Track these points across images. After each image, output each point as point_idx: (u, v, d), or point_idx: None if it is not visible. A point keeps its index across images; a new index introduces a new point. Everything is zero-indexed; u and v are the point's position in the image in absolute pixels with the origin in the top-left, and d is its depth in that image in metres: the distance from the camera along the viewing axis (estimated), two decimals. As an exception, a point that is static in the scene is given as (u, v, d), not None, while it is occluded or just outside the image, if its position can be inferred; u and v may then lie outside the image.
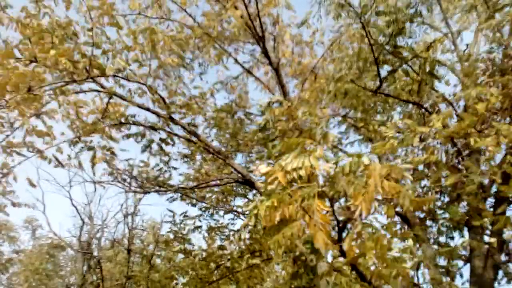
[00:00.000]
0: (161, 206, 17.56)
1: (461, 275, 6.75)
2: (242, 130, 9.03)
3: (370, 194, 3.19)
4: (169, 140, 8.43)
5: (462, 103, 6.83)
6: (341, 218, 4.26)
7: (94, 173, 8.45)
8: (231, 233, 10.32)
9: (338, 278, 5.50)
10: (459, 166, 6.87)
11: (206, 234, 10.48)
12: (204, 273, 9.92)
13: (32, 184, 7.34)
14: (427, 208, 6.78)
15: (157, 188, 8.93)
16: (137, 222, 15.88)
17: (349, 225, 4.49)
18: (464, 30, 7.33)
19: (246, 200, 10.19)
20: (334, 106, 7.86)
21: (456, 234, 7.03)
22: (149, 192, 9.00)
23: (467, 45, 7.08)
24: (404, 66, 6.52)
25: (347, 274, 5.52)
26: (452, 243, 7.11)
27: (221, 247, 10.21)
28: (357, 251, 3.96)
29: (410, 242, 5.52)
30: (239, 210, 10.26)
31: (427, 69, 6.41)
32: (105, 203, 25.60)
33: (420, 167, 7.04)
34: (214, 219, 10.41)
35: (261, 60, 9.00)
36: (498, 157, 6.12)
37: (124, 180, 8.85)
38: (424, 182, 7.14)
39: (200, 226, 10.38)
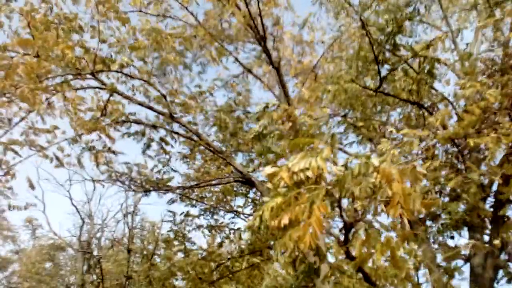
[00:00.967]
0: (161, 206, 17.54)
1: (461, 275, 6.76)
2: (242, 129, 9.03)
3: (406, 201, 3.14)
4: (169, 139, 8.43)
5: (462, 102, 6.83)
6: (347, 220, 4.25)
7: (101, 172, 8.47)
8: (232, 231, 10.33)
9: (342, 280, 5.51)
10: (459, 166, 6.88)
11: (207, 232, 10.49)
12: (204, 271, 9.92)
13: (32, 186, 7.33)
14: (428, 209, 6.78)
15: (156, 188, 8.93)
16: (137, 222, 15.91)
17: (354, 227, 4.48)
18: (464, 28, 7.34)
19: (246, 200, 10.19)
20: (334, 106, 7.86)
21: (456, 234, 7.04)
22: (148, 192, 9.00)
23: (467, 44, 7.09)
24: (404, 65, 6.53)
25: (351, 276, 5.53)
26: (452, 243, 7.12)
27: (221, 245, 10.20)
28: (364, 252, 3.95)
29: (413, 244, 5.53)
30: (239, 210, 10.27)
31: (427, 68, 6.41)
32: (105, 203, 25.54)
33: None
34: (215, 219, 10.42)
35: (262, 59, 9.01)
36: (498, 158, 6.13)
37: (123, 182, 8.86)
38: (424, 182, 7.13)
39: (202, 225, 10.39)
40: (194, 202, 10.11)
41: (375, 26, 6.25)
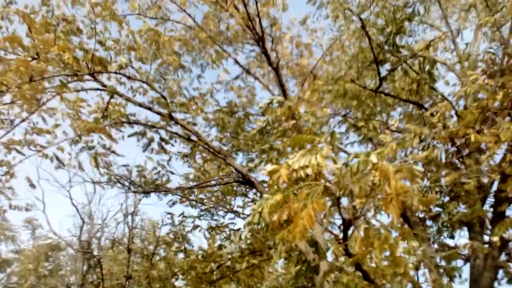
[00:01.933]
0: (161, 207, 17.57)
1: (460, 276, 6.76)
2: (243, 130, 9.03)
3: (397, 199, 3.16)
4: (169, 139, 8.43)
5: (462, 102, 6.84)
6: (346, 217, 4.26)
7: (100, 174, 8.47)
8: (232, 232, 10.33)
9: (341, 277, 5.50)
10: (459, 165, 6.88)
11: (206, 234, 10.48)
12: (205, 271, 9.92)
13: (32, 185, 7.34)
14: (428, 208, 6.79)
15: (155, 189, 8.94)
16: (137, 222, 15.91)
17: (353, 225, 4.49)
18: (464, 29, 7.34)
19: (246, 199, 10.20)
20: (334, 106, 7.87)
21: (456, 234, 7.04)
22: (148, 193, 9.01)
23: (466, 44, 7.09)
24: (404, 65, 6.53)
25: (349, 273, 5.53)
26: (452, 243, 7.12)
27: (221, 246, 10.20)
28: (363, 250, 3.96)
29: (413, 242, 5.53)
30: (239, 210, 10.27)
31: (426, 68, 6.42)
32: (105, 203, 25.56)
33: (419, 167, 7.03)
34: (215, 219, 10.42)
35: (260, 60, 9.02)
36: (498, 158, 6.15)
37: (123, 184, 8.87)
38: (424, 181, 7.14)
39: (199, 226, 10.39)
40: (194, 203, 10.11)
41: (374, 27, 6.26)
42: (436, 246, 7.29)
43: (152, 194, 9.20)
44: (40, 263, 20.08)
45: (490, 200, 6.77)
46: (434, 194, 7.07)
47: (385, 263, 4.72)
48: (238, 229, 10.22)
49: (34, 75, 5.96)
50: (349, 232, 4.55)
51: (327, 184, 3.59)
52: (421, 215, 7.26)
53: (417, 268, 6.49)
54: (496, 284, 6.39)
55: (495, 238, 5.98)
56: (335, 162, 3.72)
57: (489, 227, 6.61)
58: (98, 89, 7.21)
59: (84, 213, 17.51)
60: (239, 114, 9.06)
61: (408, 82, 6.89)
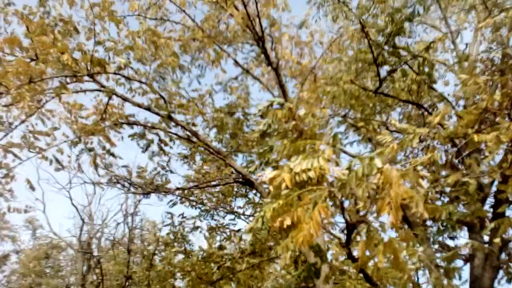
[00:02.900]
0: (161, 207, 17.58)
1: (460, 276, 6.76)
2: (242, 130, 9.02)
3: (396, 203, 3.14)
4: (168, 141, 8.42)
5: (461, 102, 6.83)
6: (350, 221, 4.24)
7: (98, 175, 8.46)
8: (232, 233, 10.33)
9: (345, 281, 5.52)
10: (459, 166, 6.88)
11: (207, 234, 10.48)
12: (205, 271, 9.92)
13: (32, 187, 7.32)
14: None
15: (156, 190, 8.92)
16: (137, 222, 15.90)
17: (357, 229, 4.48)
18: (464, 29, 7.34)
19: (246, 200, 10.19)
20: (334, 107, 7.86)
21: (456, 234, 7.05)
22: (148, 194, 9.00)
23: (466, 44, 7.09)
24: (403, 66, 6.52)
25: (352, 276, 5.54)
26: (452, 243, 7.13)
27: (221, 247, 10.20)
28: (367, 254, 3.94)
29: (414, 245, 5.52)
30: (240, 210, 10.27)
31: (426, 70, 6.41)
32: (105, 203, 25.55)
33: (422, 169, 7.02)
34: (215, 220, 10.42)
35: (260, 60, 8.99)
36: (498, 158, 6.14)
37: (123, 185, 8.86)
38: (424, 182, 7.13)
39: (199, 227, 10.39)
40: (194, 203, 10.10)
41: (374, 28, 6.24)
42: (436, 246, 7.29)
43: (152, 195, 9.19)
44: (39, 263, 20.06)
45: (490, 200, 6.78)
46: (434, 194, 7.07)
47: (386, 265, 4.73)
48: (238, 230, 10.23)
49: (34, 77, 5.94)
50: (353, 236, 4.54)
51: (331, 188, 3.56)
52: (422, 217, 7.24)
53: (417, 269, 6.50)
54: (496, 284, 6.40)
55: (496, 240, 5.99)
56: (337, 164, 3.70)
57: (489, 227, 6.61)
58: (96, 90, 7.19)
59: (84, 213, 17.52)
60: (237, 115, 9.05)
61: (408, 83, 6.88)
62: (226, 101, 9.60)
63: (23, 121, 6.44)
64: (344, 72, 6.96)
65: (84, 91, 7.05)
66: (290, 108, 5.72)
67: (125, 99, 7.49)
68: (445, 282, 6.25)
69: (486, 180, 6.45)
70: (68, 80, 6.52)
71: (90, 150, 7.82)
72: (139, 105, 7.58)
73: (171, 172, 9.12)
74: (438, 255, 6.87)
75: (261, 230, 3.62)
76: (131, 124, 7.84)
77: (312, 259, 4.91)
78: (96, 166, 7.90)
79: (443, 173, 6.63)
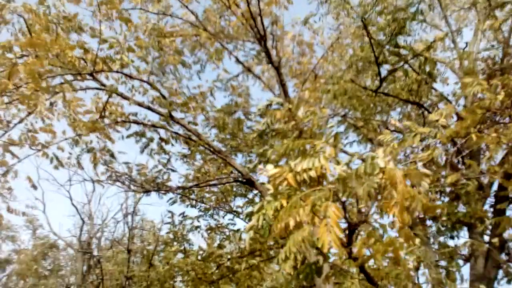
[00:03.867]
0: (161, 206, 17.56)
1: (462, 278, 6.74)
2: (242, 130, 9.01)
3: (401, 203, 3.12)
4: (169, 139, 8.40)
5: (462, 101, 6.83)
6: (351, 221, 4.23)
7: (97, 173, 8.43)
8: (231, 233, 10.31)
9: (345, 280, 5.49)
10: (459, 166, 6.88)
11: (205, 234, 10.47)
12: (204, 271, 9.91)
13: (34, 186, 7.28)
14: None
15: (156, 188, 8.91)
16: (137, 222, 15.90)
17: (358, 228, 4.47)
18: (464, 27, 7.33)
19: (246, 199, 10.18)
20: (334, 106, 7.86)
21: (456, 234, 7.03)
22: (149, 192, 8.98)
23: (466, 43, 7.08)
24: (404, 65, 6.52)
25: (352, 276, 5.51)
26: (452, 243, 7.11)
27: (220, 246, 10.19)
28: (368, 253, 3.93)
29: (415, 244, 5.50)
30: (239, 210, 10.26)
31: (427, 69, 6.40)
32: (105, 203, 25.55)
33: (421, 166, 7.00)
34: (215, 219, 10.40)
35: (261, 59, 8.98)
36: (498, 158, 6.13)
37: (123, 183, 8.84)
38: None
39: (199, 226, 10.36)
40: (194, 202, 10.09)
41: (376, 26, 6.24)
42: (436, 246, 7.27)
43: (153, 193, 9.17)
44: (38, 262, 20.03)
45: (490, 200, 6.77)
46: (434, 194, 7.06)
47: (386, 264, 4.72)
48: (238, 230, 10.21)
49: (41, 74, 5.91)
50: (354, 235, 4.53)
51: (332, 187, 3.54)
52: (421, 215, 7.24)
53: (417, 268, 6.48)
54: (496, 284, 6.39)
55: (494, 239, 5.98)
56: (338, 163, 3.68)
57: (489, 227, 6.60)
58: (97, 88, 7.18)
59: (84, 213, 17.52)
60: (238, 114, 9.04)
61: (408, 82, 6.87)
62: (227, 99, 9.60)
63: (21, 120, 6.41)
64: (344, 71, 6.96)
65: (85, 89, 7.04)
66: (289, 108, 5.71)
67: (125, 98, 7.47)
68: (445, 282, 6.24)
69: (486, 180, 6.44)
70: (71, 78, 6.49)
71: (89, 151, 7.81)
72: (139, 104, 7.57)
73: (173, 170, 9.10)
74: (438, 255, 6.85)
75: (261, 228, 3.59)
76: (131, 122, 7.82)
77: (313, 258, 4.90)
78: (96, 163, 7.88)
79: (443, 173, 6.61)
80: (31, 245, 21.39)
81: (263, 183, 7.59)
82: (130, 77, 7.41)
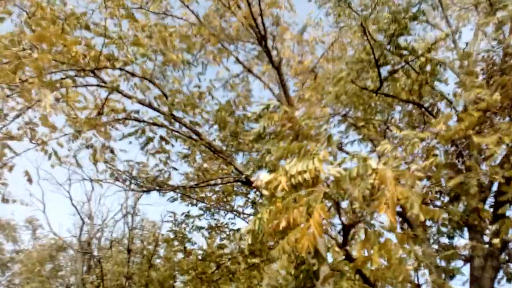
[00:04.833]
0: (161, 206, 17.55)
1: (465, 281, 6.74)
2: (243, 129, 9.01)
3: (392, 203, 3.13)
4: (169, 138, 8.40)
5: (461, 102, 6.82)
6: (346, 222, 4.25)
7: (97, 171, 8.43)
8: (231, 232, 10.32)
9: (342, 282, 5.47)
10: (459, 166, 6.87)
11: (206, 234, 10.47)
12: (205, 271, 9.91)
13: (30, 179, 7.19)
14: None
15: (157, 187, 8.91)
16: (137, 222, 15.89)
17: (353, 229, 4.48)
18: (464, 27, 7.33)
19: (246, 199, 10.18)
20: (334, 106, 7.85)
21: (456, 234, 7.02)
22: (149, 191, 8.98)
23: (466, 43, 7.08)
24: (405, 66, 6.52)
25: (350, 277, 5.50)
26: (452, 243, 7.10)
27: (221, 246, 10.19)
28: (364, 255, 3.94)
29: (413, 245, 5.50)
30: (240, 209, 10.26)
31: (429, 69, 6.40)
32: (105, 203, 25.58)
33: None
34: (215, 219, 10.40)
35: (262, 59, 9.00)
36: (498, 158, 6.12)
37: (124, 180, 8.83)
38: (424, 182, 7.13)
39: (202, 227, 10.36)
40: (194, 201, 10.09)
41: (376, 26, 6.24)
42: (436, 246, 7.27)
43: (152, 193, 9.18)
44: (41, 265, 19.95)
45: (490, 200, 6.76)
46: (434, 194, 7.06)
47: (384, 264, 4.72)
48: (238, 229, 10.21)
49: (47, 68, 5.90)
50: (349, 236, 4.53)
51: (326, 189, 3.56)
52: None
53: (417, 270, 6.47)
54: (496, 284, 6.38)
55: (496, 240, 5.96)
56: (331, 164, 3.70)
57: (489, 227, 6.59)
58: (98, 85, 7.17)
59: (84, 213, 17.52)
60: (238, 113, 9.04)
61: (409, 82, 6.88)
62: (226, 98, 9.57)
63: (19, 115, 6.38)
64: (345, 71, 6.96)
65: (86, 85, 7.03)
66: (286, 111, 5.71)
67: (125, 95, 7.47)
68: (445, 282, 6.24)
69: (486, 180, 6.44)
70: (73, 73, 6.48)
71: (88, 147, 7.79)
72: (140, 102, 7.57)
73: (174, 169, 9.11)
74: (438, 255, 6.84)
75: (259, 229, 3.63)
76: (132, 119, 7.80)
77: (311, 260, 4.91)
78: (96, 161, 7.87)
79: (443, 172, 6.61)
80: (31, 245, 21.40)
81: (259, 186, 7.57)
82: (132, 74, 7.40)
